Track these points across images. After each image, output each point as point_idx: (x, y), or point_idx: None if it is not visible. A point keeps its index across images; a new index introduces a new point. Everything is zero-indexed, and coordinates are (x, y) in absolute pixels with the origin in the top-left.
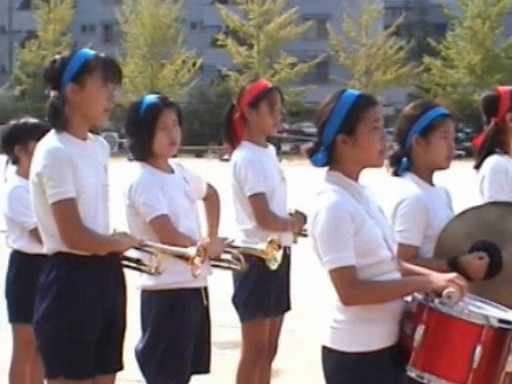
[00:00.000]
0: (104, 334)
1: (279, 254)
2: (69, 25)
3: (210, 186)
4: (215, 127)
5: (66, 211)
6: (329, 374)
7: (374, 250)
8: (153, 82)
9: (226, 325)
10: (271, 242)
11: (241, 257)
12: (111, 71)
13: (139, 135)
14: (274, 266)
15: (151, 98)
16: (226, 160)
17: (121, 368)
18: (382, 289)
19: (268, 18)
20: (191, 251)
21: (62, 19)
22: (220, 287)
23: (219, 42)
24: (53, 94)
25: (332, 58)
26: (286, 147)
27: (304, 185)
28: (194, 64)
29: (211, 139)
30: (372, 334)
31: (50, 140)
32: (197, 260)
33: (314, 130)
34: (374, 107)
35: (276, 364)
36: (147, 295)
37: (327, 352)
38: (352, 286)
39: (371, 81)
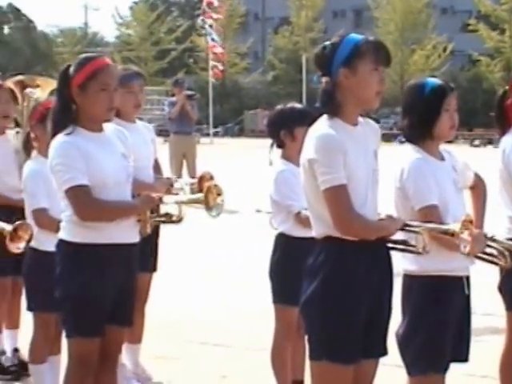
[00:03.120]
0: (370, 319)
1: None
2: (321, 10)
3: (477, 176)
4: (466, 113)
5: (338, 198)
6: None
7: None
8: (403, 68)
9: (480, 312)
10: None
11: (505, 252)
12: (381, 54)
13: (423, 115)
14: None
15: (435, 80)
16: (477, 146)
17: (385, 353)
18: None
19: None
20: (455, 226)
21: (315, 5)
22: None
23: (470, 27)
24: (324, 80)
25: None
26: None
27: None
28: (444, 49)
29: (462, 125)
30: None
31: (322, 126)
32: (464, 234)
33: None
34: None
35: None
36: (408, 280)
37: None
38: None
39: None
